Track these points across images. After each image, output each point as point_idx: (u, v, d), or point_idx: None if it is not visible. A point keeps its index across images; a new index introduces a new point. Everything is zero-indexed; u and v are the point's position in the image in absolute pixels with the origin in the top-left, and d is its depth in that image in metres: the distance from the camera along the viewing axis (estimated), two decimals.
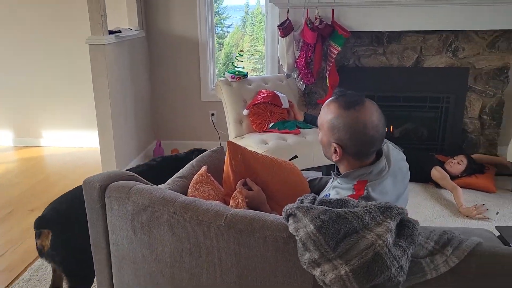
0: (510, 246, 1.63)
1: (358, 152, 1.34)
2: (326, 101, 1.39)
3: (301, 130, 3.19)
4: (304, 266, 1.05)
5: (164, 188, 1.51)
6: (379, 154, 1.39)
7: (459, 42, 3.67)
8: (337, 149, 1.33)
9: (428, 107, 3.83)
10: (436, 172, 3.24)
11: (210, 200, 1.53)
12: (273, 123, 3.24)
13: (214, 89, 4.08)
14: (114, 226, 1.43)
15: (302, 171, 3.33)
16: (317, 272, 1.02)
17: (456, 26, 3.51)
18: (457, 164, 3.31)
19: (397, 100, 3.79)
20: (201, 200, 1.32)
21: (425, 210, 2.93)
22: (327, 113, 1.35)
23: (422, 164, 3.33)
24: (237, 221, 1.20)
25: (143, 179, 1.54)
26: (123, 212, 1.38)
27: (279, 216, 1.20)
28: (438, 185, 3.27)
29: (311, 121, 3.28)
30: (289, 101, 3.34)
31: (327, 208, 1.06)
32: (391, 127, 4.02)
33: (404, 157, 1.50)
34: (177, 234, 1.28)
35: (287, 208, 1.10)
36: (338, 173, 1.44)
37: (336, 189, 1.40)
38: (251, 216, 1.21)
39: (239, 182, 1.50)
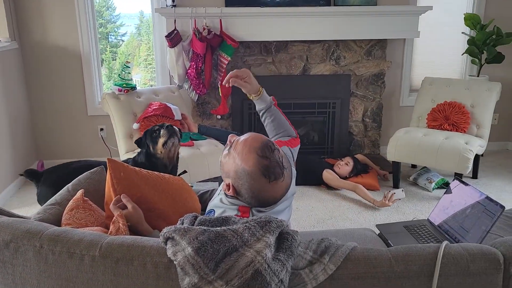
0: (389, 243, 1.74)
1: (249, 202, 1.26)
2: (250, 143, 1.23)
3: (194, 142, 3.14)
4: None
5: (32, 219, 1.35)
6: None
7: (340, 50, 3.91)
8: (231, 189, 1.25)
9: (317, 113, 4.02)
10: (328, 174, 3.41)
11: (88, 227, 1.41)
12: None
13: (100, 103, 3.87)
14: None
15: (197, 183, 3.27)
16: None
17: (337, 36, 3.74)
18: (345, 165, 3.52)
19: (288, 107, 3.92)
20: (73, 230, 1.20)
21: (317, 212, 3.05)
22: (242, 158, 1.21)
23: (313, 168, 3.48)
24: (113, 250, 1.11)
25: (5, 210, 1.37)
26: None
27: (158, 240, 1.13)
28: (329, 187, 3.44)
29: (205, 133, 3.24)
30: (182, 114, 3.27)
31: (205, 228, 1.02)
32: None
33: (295, 173, 1.47)
34: (46, 270, 1.15)
35: (165, 231, 1.04)
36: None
37: (223, 206, 1.32)
38: (129, 243, 1.12)
39: (113, 201, 1.39)
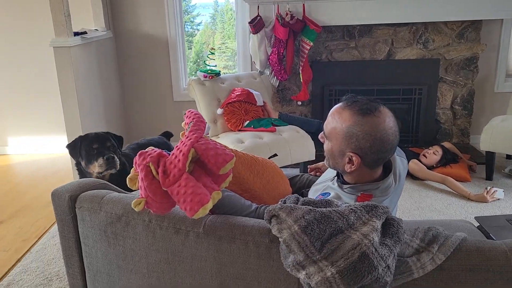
0: (491, 236, 1.63)
1: (376, 160, 1.25)
2: (335, 109, 1.28)
3: (276, 127, 3.15)
4: (288, 269, 1.01)
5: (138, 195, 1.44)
6: (387, 169, 1.33)
7: (429, 33, 3.70)
8: (353, 158, 1.23)
9: (402, 99, 3.86)
10: (414, 166, 3.25)
11: None
12: (248, 121, 3.19)
13: (186, 88, 4.01)
14: (86, 238, 1.36)
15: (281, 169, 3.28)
16: (301, 275, 0.98)
17: (426, 18, 3.54)
18: (433, 154, 3.34)
19: (371, 93, 3.80)
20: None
21: (403, 203, 2.94)
22: (341, 121, 1.24)
23: None
24: (216, 228, 1.16)
25: (115, 187, 1.47)
26: (95, 223, 1.31)
27: (260, 220, 1.16)
28: (414, 177, 3.29)
29: (286, 120, 3.25)
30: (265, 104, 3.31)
31: (311, 208, 1.02)
32: None
33: (407, 165, 1.47)
34: (153, 243, 1.22)
35: (270, 209, 1.06)
36: (344, 182, 1.36)
37: (337, 192, 1.33)
38: (231, 222, 1.16)
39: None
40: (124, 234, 1.26)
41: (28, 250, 2.49)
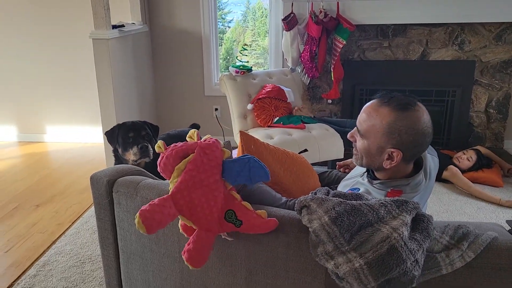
0: None
1: (415, 154, 1.26)
2: (370, 106, 1.28)
3: (306, 124, 3.16)
4: (317, 259, 1.03)
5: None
6: (418, 165, 1.34)
7: (465, 34, 3.63)
8: (393, 154, 1.24)
9: (434, 101, 3.80)
10: (451, 174, 3.18)
11: None
12: (278, 117, 3.22)
13: (218, 83, 4.07)
14: (122, 221, 1.41)
15: None
16: (330, 265, 1.00)
17: (463, 19, 3.47)
18: (466, 160, 3.27)
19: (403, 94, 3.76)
20: None
21: (431, 205, 2.90)
22: (380, 118, 1.24)
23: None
24: None
25: (150, 174, 1.52)
26: (131, 207, 1.36)
27: (290, 211, 1.18)
28: (444, 180, 3.24)
29: (320, 120, 3.29)
30: (296, 107, 3.34)
31: (342, 200, 1.04)
32: None
33: (438, 163, 1.47)
34: None
35: (301, 199, 1.08)
36: (374, 178, 1.37)
37: (367, 188, 1.34)
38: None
39: None
40: None
41: (62, 234, 2.60)
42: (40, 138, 4.50)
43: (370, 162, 1.31)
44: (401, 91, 3.73)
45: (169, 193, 1.09)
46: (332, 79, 3.64)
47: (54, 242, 2.50)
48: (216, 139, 1.19)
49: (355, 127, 1.35)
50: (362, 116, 1.30)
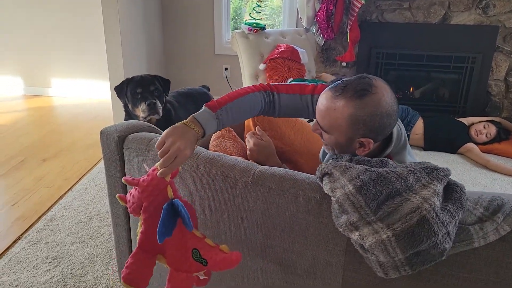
0: None
1: (386, 133, 1.15)
2: (326, 101, 1.14)
3: None
4: (340, 229, 0.98)
5: None
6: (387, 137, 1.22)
7: None
8: (364, 143, 1.12)
9: (452, 67, 3.66)
10: (469, 151, 3.10)
11: (232, 156, 1.45)
12: (291, 79, 3.11)
13: (229, 41, 3.93)
14: None
15: None
16: (355, 235, 0.95)
17: None
18: (485, 136, 3.17)
19: (420, 59, 3.63)
20: (226, 155, 1.24)
21: (456, 178, 2.84)
22: (339, 112, 1.10)
23: (454, 137, 3.18)
24: (265, 179, 1.13)
25: (161, 132, 1.46)
26: (143, 164, 1.30)
27: (311, 175, 1.12)
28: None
29: None
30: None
31: (367, 167, 0.97)
32: (411, 88, 3.88)
33: (403, 126, 1.31)
34: (200, 190, 1.21)
35: (323, 166, 1.02)
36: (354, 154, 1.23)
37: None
38: (281, 174, 1.13)
39: (249, 133, 1.41)
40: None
41: (69, 189, 2.57)
42: (45, 92, 4.42)
43: (342, 151, 1.19)
44: (418, 56, 3.60)
45: (137, 244, 1.10)
46: (348, 41, 3.50)
47: (61, 197, 2.48)
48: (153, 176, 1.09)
49: (315, 121, 1.21)
50: (320, 112, 1.16)
